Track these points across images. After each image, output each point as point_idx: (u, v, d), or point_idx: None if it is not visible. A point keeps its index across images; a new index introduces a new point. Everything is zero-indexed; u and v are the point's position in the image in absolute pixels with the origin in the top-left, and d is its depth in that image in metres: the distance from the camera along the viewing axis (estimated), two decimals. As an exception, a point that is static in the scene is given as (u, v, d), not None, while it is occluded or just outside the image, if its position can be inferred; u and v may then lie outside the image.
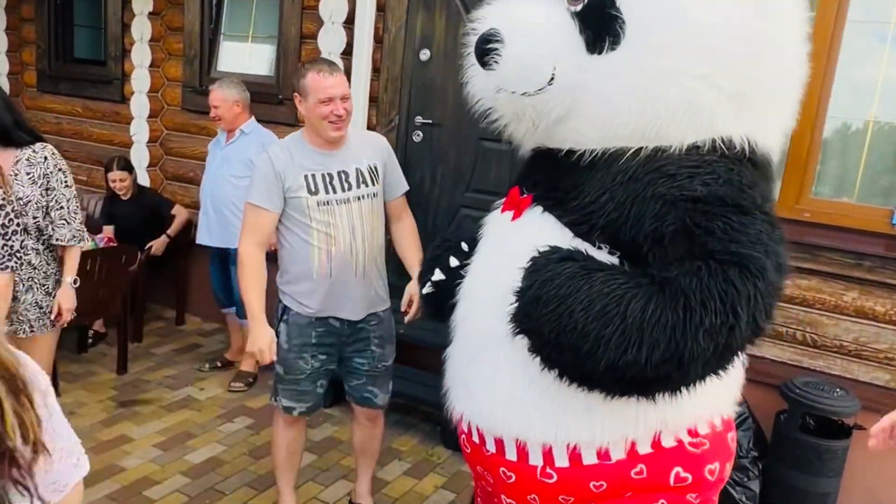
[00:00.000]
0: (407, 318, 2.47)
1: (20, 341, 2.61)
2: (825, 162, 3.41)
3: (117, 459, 3.18)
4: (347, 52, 4.10)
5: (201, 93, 4.75)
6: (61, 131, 5.43)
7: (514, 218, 1.79)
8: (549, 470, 1.69)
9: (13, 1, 5.49)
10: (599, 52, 1.61)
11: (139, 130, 5.03)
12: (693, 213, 1.50)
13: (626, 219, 1.58)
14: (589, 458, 1.65)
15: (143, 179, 4.95)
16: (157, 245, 4.46)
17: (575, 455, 1.66)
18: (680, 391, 1.53)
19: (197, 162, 4.89)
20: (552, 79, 1.63)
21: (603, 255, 1.60)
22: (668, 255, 1.52)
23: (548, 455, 1.67)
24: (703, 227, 1.49)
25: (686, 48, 1.55)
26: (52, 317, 2.72)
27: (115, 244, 4.28)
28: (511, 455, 1.72)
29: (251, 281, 2.44)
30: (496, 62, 1.64)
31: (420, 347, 3.57)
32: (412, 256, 2.63)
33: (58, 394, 3.58)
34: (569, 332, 1.48)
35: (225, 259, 4.10)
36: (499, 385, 1.70)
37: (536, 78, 1.64)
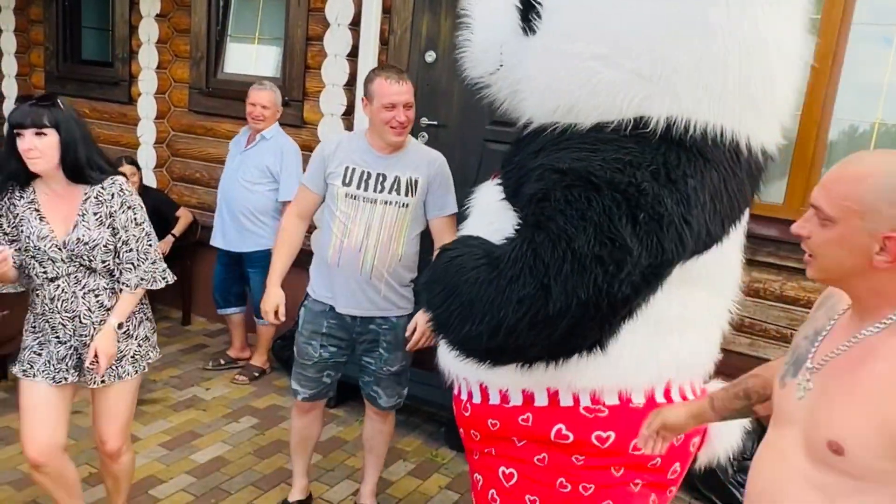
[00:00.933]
0: (408, 346, 2.56)
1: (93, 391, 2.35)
2: (831, 164, 3.41)
3: (123, 458, 3.20)
4: (353, 54, 4.12)
5: (208, 94, 4.78)
6: (69, 132, 5.45)
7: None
8: (468, 405, 1.94)
9: (22, 3, 5.53)
10: (528, 35, 1.85)
11: (146, 132, 5.06)
12: (550, 182, 1.65)
13: (521, 186, 1.79)
14: (493, 398, 1.87)
15: (150, 180, 4.97)
16: (163, 246, 4.48)
17: (484, 393, 1.89)
18: (547, 362, 1.69)
19: (203, 163, 4.91)
20: (501, 63, 1.95)
21: (516, 217, 1.78)
22: (521, 218, 1.71)
23: (468, 390, 1.95)
24: (548, 195, 1.64)
25: (584, 33, 1.72)
26: (87, 363, 2.23)
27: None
28: (457, 391, 2.03)
29: (281, 245, 2.66)
30: (468, 50, 2.04)
31: (424, 348, 3.58)
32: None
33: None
34: (437, 309, 1.73)
35: (238, 261, 4.12)
36: None
37: (490, 60, 1.97)
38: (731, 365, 3.38)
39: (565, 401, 1.78)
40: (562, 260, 1.55)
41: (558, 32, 1.76)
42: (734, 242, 1.86)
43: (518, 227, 1.69)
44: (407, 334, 2.56)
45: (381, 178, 2.54)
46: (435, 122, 4.02)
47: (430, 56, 3.98)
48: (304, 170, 3.82)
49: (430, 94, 4.01)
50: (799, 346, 1.32)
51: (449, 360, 1.93)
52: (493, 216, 1.89)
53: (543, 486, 1.84)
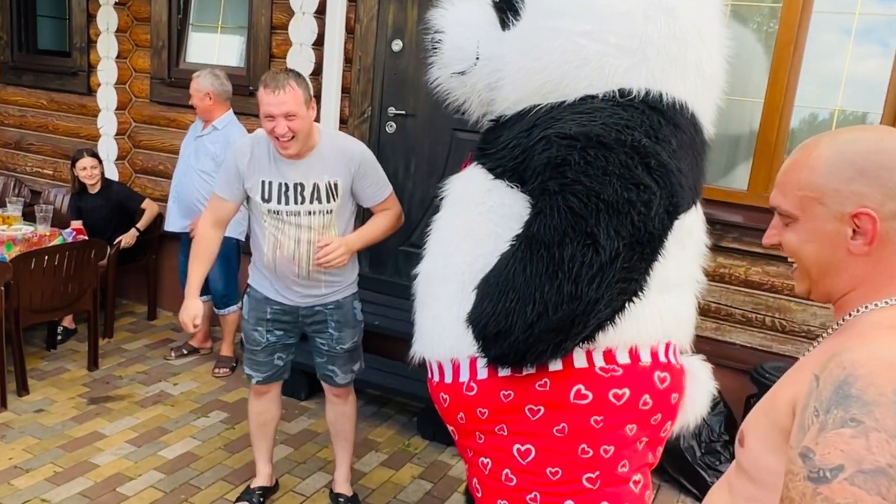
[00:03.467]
0: (316, 260, 2.49)
1: None
2: (793, 150, 3.47)
3: (89, 456, 3.14)
4: (319, 43, 4.07)
5: (170, 84, 4.68)
6: (25, 124, 5.31)
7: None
8: (472, 383, 1.91)
9: (-27, -9, 5.35)
10: (508, 27, 1.95)
11: (106, 123, 4.94)
12: (561, 148, 1.72)
13: (526, 160, 1.82)
14: (503, 370, 1.85)
15: (112, 173, 4.86)
16: (127, 239, 4.40)
17: (492, 367, 1.86)
18: (607, 319, 1.75)
19: (167, 155, 4.82)
20: (478, 56, 2.01)
21: (516, 194, 1.84)
22: (538, 187, 1.75)
23: (473, 367, 1.89)
24: (563, 157, 1.70)
25: (570, 10, 1.83)
26: None
27: (86, 238, 4.21)
28: (448, 377, 1.96)
29: (199, 253, 2.58)
30: (439, 49, 2.08)
31: (395, 339, 3.58)
32: (369, 225, 2.65)
33: (27, 391, 3.56)
34: (494, 313, 1.72)
35: None
36: (438, 315, 1.95)
37: (465, 56, 2.04)
38: (697, 349, 3.45)
39: (579, 362, 1.82)
40: (597, 210, 1.64)
41: (544, 11, 1.87)
42: (699, 211, 1.99)
43: (542, 194, 1.74)
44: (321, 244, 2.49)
45: (299, 188, 2.47)
46: (402, 112, 4.00)
47: (397, 45, 3.95)
48: None
49: (397, 83, 3.99)
50: None
51: (447, 340, 1.92)
52: (482, 197, 1.91)
53: (565, 455, 1.86)
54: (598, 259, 1.64)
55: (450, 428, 2.08)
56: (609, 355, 1.83)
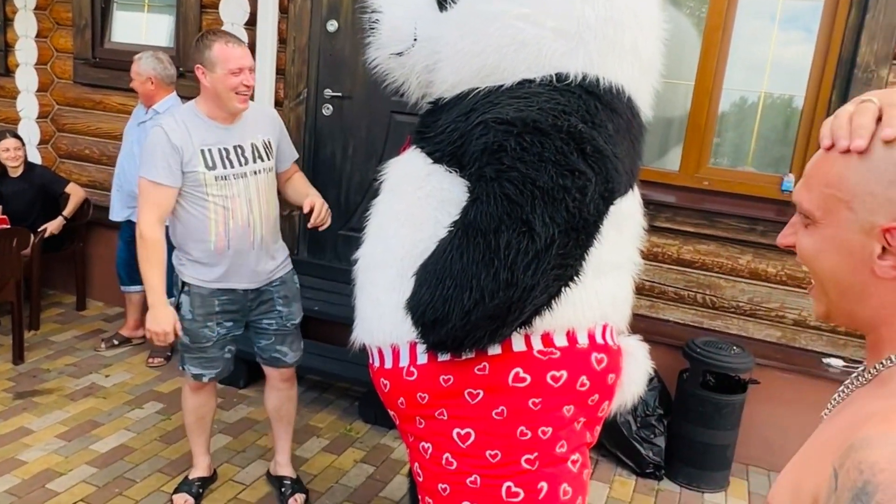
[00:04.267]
0: (314, 220, 2.54)
1: None
2: (722, 132, 3.58)
3: (16, 453, 3.02)
4: (251, 23, 3.96)
5: (95, 65, 4.49)
6: (-62, 107, 5.02)
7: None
8: (412, 368, 1.91)
9: None
10: (446, 8, 1.94)
11: (27, 105, 4.71)
12: (497, 133, 1.72)
13: (464, 144, 1.82)
14: (443, 355, 1.86)
15: (34, 158, 4.63)
16: (53, 227, 4.22)
17: (432, 352, 1.86)
18: (543, 305, 1.77)
19: (94, 139, 4.64)
20: (415, 37, 1.99)
21: (455, 179, 1.84)
22: (475, 173, 1.75)
23: (413, 352, 1.90)
24: (499, 143, 1.71)
25: None
26: None
27: (7, 226, 4.02)
28: (388, 363, 1.96)
29: (154, 258, 2.42)
30: (376, 29, 2.06)
31: (336, 324, 3.55)
32: (306, 185, 2.73)
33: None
34: (432, 300, 1.72)
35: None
36: (377, 300, 1.95)
37: (402, 37, 2.01)
38: (633, 327, 3.54)
39: (518, 346, 1.84)
40: (532, 197, 1.65)
41: None
42: (636, 194, 2.02)
43: (478, 180, 1.73)
44: (305, 211, 2.53)
45: (239, 150, 2.49)
46: (339, 94, 3.94)
47: (332, 25, 3.88)
48: None
49: (333, 65, 3.93)
50: None
51: (386, 325, 1.92)
52: (421, 182, 1.90)
53: (504, 438, 1.87)
54: (534, 246, 1.65)
55: (391, 413, 2.07)
56: (547, 338, 1.86)
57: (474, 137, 1.78)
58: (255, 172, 2.51)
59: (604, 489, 3.17)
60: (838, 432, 0.83)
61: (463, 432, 1.90)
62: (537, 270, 1.66)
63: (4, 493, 2.75)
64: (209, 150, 2.44)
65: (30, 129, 4.71)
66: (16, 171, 4.17)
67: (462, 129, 1.83)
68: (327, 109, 3.97)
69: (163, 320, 2.41)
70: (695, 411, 3.17)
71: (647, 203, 3.53)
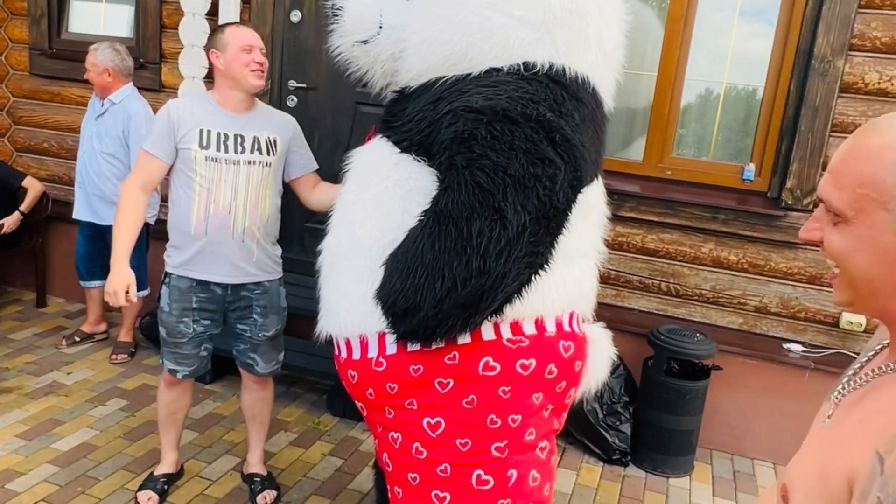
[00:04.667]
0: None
1: None
2: (685, 123, 3.63)
3: (-26, 453, 2.95)
4: (213, 13, 3.89)
5: (52, 56, 4.39)
6: None
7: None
8: (381, 359, 1.90)
9: None
10: None
11: (-19, 98, 4.59)
12: (467, 122, 1.73)
13: (433, 133, 1.82)
14: (413, 345, 1.85)
15: (-10, 151, 4.53)
16: (10, 222, 4.11)
17: (401, 342, 1.86)
18: (514, 293, 1.77)
19: (52, 132, 4.53)
20: (381, 24, 1.98)
21: (423, 168, 1.84)
22: (445, 161, 1.75)
23: (381, 343, 1.89)
24: (470, 132, 1.71)
25: None
26: None
27: (-40, 222, 3.91)
28: (356, 354, 1.94)
29: (124, 220, 2.43)
30: (340, 17, 2.05)
31: (303, 317, 3.52)
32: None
33: None
34: (403, 289, 1.71)
35: (102, 233, 3.82)
36: (344, 291, 1.93)
37: (367, 24, 2.01)
38: (598, 316, 3.57)
39: (487, 335, 1.84)
40: (504, 185, 1.65)
41: None
42: (601, 183, 2.05)
43: (449, 169, 1.73)
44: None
45: (239, 139, 2.48)
46: (304, 85, 3.90)
47: (296, 16, 3.84)
48: None
49: (297, 56, 3.89)
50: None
51: (353, 316, 1.91)
52: (388, 171, 1.89)
53: (474, 426, 1.88)
54: (506, 234, 1.65)
55: (358, 404, 2.06)
56: (516, 327, 1.87)
57: (443, 126, 1.78)
58: (249, 163, 2.48)
59: (571, 476, 3.20)
60: (874, 416, 0.83)
61: (433, 421, 1.89)
62: (509, 258, 1.67)
63: (-38, 495, 2.69)
64: (207, 132, 2.45)
65: (-15, 122, 4.58)
66: (-30, 166, 4.06)
67: (430, 118, 1.83)
68: (292, 101, 3.93)
69: (116, 280, 2.36)
70: (659, 398, 3.22)
71: (612, 193, 3.56)
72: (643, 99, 3.58)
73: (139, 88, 3.86)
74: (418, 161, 1.85)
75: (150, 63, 4.15)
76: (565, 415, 2.11)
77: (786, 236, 3.34)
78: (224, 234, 2.48)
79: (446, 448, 1.89)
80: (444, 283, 1.66)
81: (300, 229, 3.95)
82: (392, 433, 1.97)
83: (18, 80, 4.55)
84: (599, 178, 2.02)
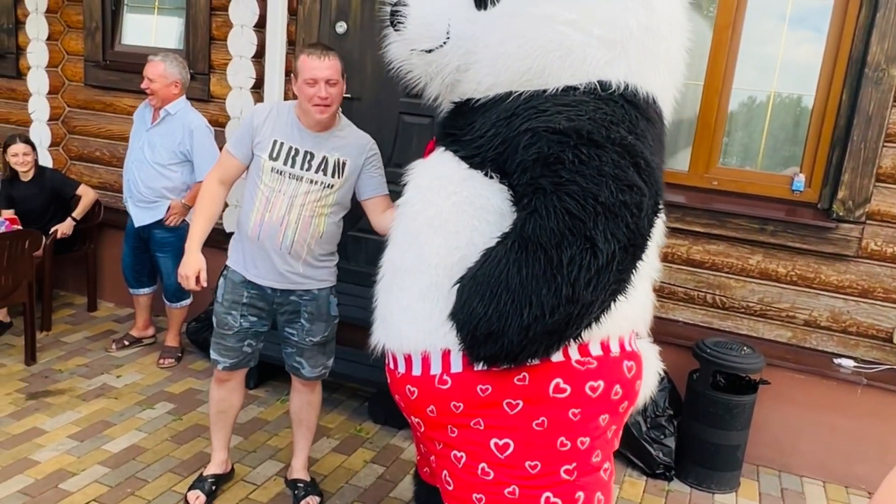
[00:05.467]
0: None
1: None
2: (731, 133, 3.57)
3: (29, 453, 3.04)
4: (261, 25, 3.98)
5: (105, 67, 4.53)
6: (-50, 109, 5.06)
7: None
8: (445, 376, 1.86)
9: None
10: (485, 7, 1.89)
11: (38, 108, 4.74)
12: (551, 143, 1.69)
13: (508, 150, 1.78)
14: (481, 365, 1.81)
15: (46, 160, 4.67)
16: (63, 228, 4.24)
17: (466, 359, 1.82)
18: (596, 318, 1.74)
19: (104, 141, 4.67)
20: (448, 34, 1.91)
21: (494, 185, 1.81)
22: (528, 183, 1.71)
23: (446, 361, 1.85)
24: (556, 155, 1.68)
25: None
26: None
27: (19, 227, 4.04)
28: (416, 370, 1.91)
29: (201, 209, 2.60)
30: (403, 24, 1.96)
31: (345, 324, 3.55)
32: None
33: (-40, 387, 3.40)
34: (486, 315, 1.68)
35: (146, 243, 3.91)
36: (406, 306, 1.90)
37: (435, 34, 1.93)
38: (642, 328, 3.52)
39: (556, 356, 1.81)
40: (595, 213, 1.63)
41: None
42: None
43: (534, 192, 1.69)
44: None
45: (308, 157, 2.52)
46: (348, 95, 3.94)
47: (341, 27, 3.89)
48: (216, 145, 3.69)
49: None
50: None
51: (417, 333, 1.88)
52: (456, 187, 1.86)
53: (544, 448, 1.86)
54: (596, 263, 1.63)
55: (415, 420, 2.02)
56: (583, 348, 1.84)
57: (521, 145, 1.74)
58: (312, 181, 2.51)
59: (614, 490, 3.16)
60: None
61: (501, 443, 1.86)
62: (598, 286, 1.65)
63: (18, 493, 2.77)
64: (281, 144, 2.52)
65: (41, 132, 4.74)
66: (27, 176, 4.20)
67: (504, 135, 1.80)
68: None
69: (187, 265, 2.54)
70: (705, 412, 3.17)
71: (657, 203, 3.53)
72: (689, 108, 3.54)
73: (190, 99, 3.95)
74: (490, 178, 1.82)
75: (199, 74, 4.25)
76: (621, 433, 2.09)
77: (837, 248, 3.27)
78: (272, 243, 2.53)
79: (515, 470, 1.86)
80: (532, 311, 1.64)
81: (344, 237, 3.97)
82: (455, 452, 1.93)
83: (73, 91, 4.70)
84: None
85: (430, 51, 1.96)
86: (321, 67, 2.43)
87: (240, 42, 4.06)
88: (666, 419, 3.26)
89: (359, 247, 3.99)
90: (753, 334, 3.45)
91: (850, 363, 3.29)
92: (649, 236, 1.75)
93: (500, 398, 1.83)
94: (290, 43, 3.96)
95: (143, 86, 3.73)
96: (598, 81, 1.79)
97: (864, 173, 3.20)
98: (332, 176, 2.55)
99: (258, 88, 4.08)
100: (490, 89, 1.87)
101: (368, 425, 3.52)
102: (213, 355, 2.72)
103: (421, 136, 3.79)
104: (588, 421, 1.86)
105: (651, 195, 1.71)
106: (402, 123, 3.84)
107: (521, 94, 1.81)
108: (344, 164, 2.56)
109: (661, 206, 1.80)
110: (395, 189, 3.82)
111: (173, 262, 3.72)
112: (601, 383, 1.84)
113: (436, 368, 1.88)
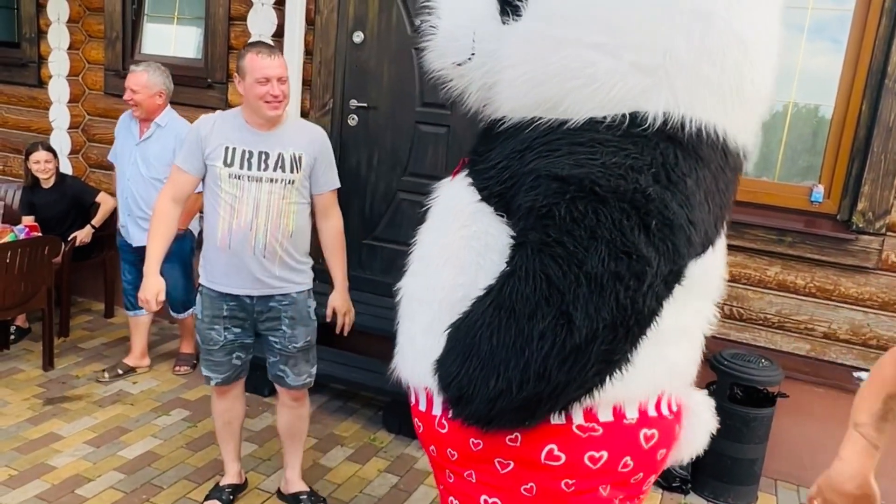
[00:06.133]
0: (338, 330, 2.71)
1: None
2: (749, 142, 3.54)
3: (46, 458, 3.06)
4: (279, 34, 4.01)
5: (125, 77, 4.56)
6: (-27, 117, 5.14)
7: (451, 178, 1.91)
8: (443, 421, 1.73)
9: (-86, -22, 5.14)
10: (508, 20, 1.68)
11: (59, 116, 4.80)
12: (548, 193, 1.50)
13: (514, 189, 1.60)
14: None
15: (66, 167, 4.73)
16: (82, 235, 4.29)
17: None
18: (585, 395, 1.55)
19: (122, 148, 4.71)
20: (473, 50, 1.75)
21: (502, 223, 1.62)
22: (519, 234, 1.55)
23: (445, 406, 1.69)
24: (548, 208, 1.49)
25: (577, 17, 1.55)
26: None
27: (39, 234, 4.09)
28: (422, 405, 1.81)
29: (156, 230, 2.58)
30: (434, 38, 1.82)
31: (359, 333, 3.56)
32: (335, 265, 2.75)
33: (-21, 392, 3.44)
34: (455, 377, 1.56)
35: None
36: (413, 339, 1.78)
37: (460, 48, 1.77)
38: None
39: (556, 418, 1.62)
40: (576, 283, 1.44)
41: (549, 16, 1.59)
42: (721, 243, 1.75)
43: (519, 247, 1.54)
44: (328, 319, 2.70)
45: (263, 156, 2.53)
46: (364, 105, 3.96)
47: (358, 36, 3.92)
48: None
49: (359, 75, 3.96)
50: None
51: (419, 367, 1.74)
52: (466, 219, 1.69)
53: None
54: (572, 340, 1.45)
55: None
56: (589, 413, 1.63)
57: (523, 188, 1.56)
58: (272, 180, 2.53)
59: None
60: None
61: (490, 500, 1.76)
62: (574, 367, 1.47)
63: (34, 498, 2.79)
64: (232, 149, 2.52)
65: (61, 140, 4.80)
66: (48, 183, 4.25)
67: (513, 170, 1.61)
68: (353, 120, 4.00)
69: (147, 289, 2.54)
70: (722, 424, 3.08)
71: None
72: (706, 118, 3.52)
73: (205, 107, 3.98)
74: (497, 215, 1.64)
75: (217, 83, 4.29)
76: (644, 496, 1.90)
77: (857, 260, 3.23)
78: (245, 249, 2.53)
79: None
80: (498, 383, 1.50)
81: (358, 246, 4.00)
82: (452, 497, 1.87)
83: (93, 100, 4.76)
84: (721, 240, 1.71)
85: (459, 64, 1.82)
86: (272, 66, 2.46)
87: (258, 51, 4.09)
88: (682, 431, 3.23)
89: (374, 255, 4.00)
90: (771, 346, 3.41)
91: (870, 377, 3.24)
92: (654, 310, 1.51)
93: (491, 455, 1.70)
94: (308, 53, 3.99)
95: (125, 97, 3.63)
96: (630, 113, 1.53)
97: (884, 185, 3.16)
98: (292, 171, 2.56)
99: (275, 97, 4.10)
100: (513, 112, 1.69)
101: (383, 434, 3.51)
102: (205, 371, 2.72)
103: (437, 146, 3.80)
104: (583, 492, 1.68)
105: (663, 263, 1.48)
106: (419, 133, 3.85)
107: (541, 124, 1.61)
108: (300, 157, 2.58)
109: (681, 273, 1.53)
110: (406, 198, 3.87)
111: (181, 272, 3.70)
112: (605, 454, 1.63)
113: (437, 409, 1.75)
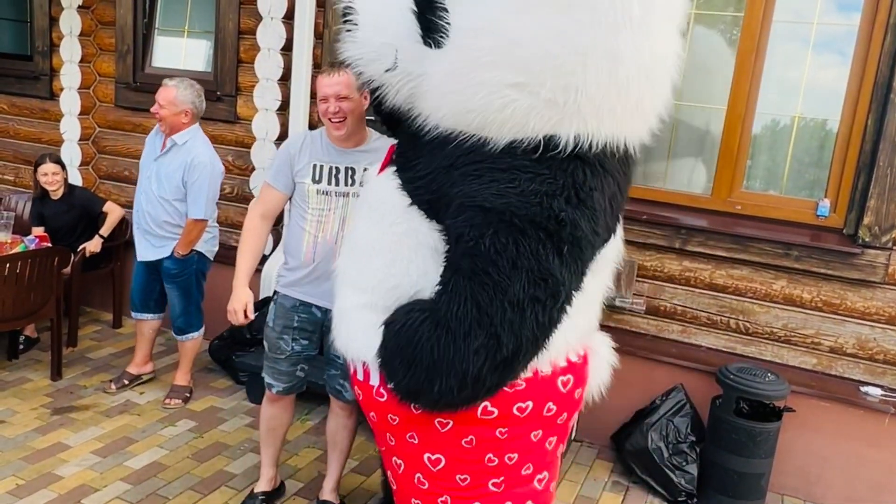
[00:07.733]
0: None
1: None
2: (755, 157, 3.56)
3: (53, 468, 3.08)
4: (287, 48, 4.05)
5: (135, 89, 4.63)
6: (-15, 129, 5.20)
7: (379, 171, 2.11)
8: (381, 390, 1.96)
9: (-70, -8, 5.22)
10: (431, 46, 1.81)
11: (70, 128, 4.85)
12: (474, 225, 1.72)
13: (441, 202, 1.82)
14: None
15: (76, 179, 4.78)
16: (91, 246, 4.32)
17: None
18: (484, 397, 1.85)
19: (133, 160, 4.75)
20: (396, 62, 1.91)
21: (432, 226, 1.86)
22: (451, 256, 1.79)
23: (382, 375, 1.93)
24: (475, 241, 1.71)
25: (497, 61, 1.68)
26: None
27: (49, 245, 4.12)
28: (360, 376, 2.03)
29: (245, 245, 2.67)
30: (356, 46, 1.98)
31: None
32: None
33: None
34: (403, 379, 1.83)
35: (156, 269, 3.74)
36: (348, 316, 2.02)
37: (383, 60, 1.94)
38: (661, 351, 3.49)
39: None
40: (502, 310, 1.70)
41: (472, 58, 1.71)
42: (619, 235, 2.03)
43: (452, 271, 1.77)
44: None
45: (350, 172, 2.60)
46: (372, 118, 3.98)
47: (366, 51, 3.95)
48: (216, 184, 3.57)
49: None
50: None
51: (355, 343, 1.98)
52: (398, 217, 1.92)
53: (473, 464, 1.97)
54: (501, 354, 1.74)
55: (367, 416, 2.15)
56: None
57: (451, 209, 1.78)
58: (356, 195, 2.56)
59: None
60: None
61: (433, 457, 1.99)
62: (504, 372, 1.79)
63: (41, 508, 2.81)
64: (320, 166, 2.59)
65: (72, 151, 4.85)
66: (56, 194, 4.29)
67: (440, 183, 1.84)
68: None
69: (235, 300, 2.62)
70: (728, 439, 3.12)
71: (679, 227, 3.52)
72: (712, 133, 3.54)
73: (215, 120, 4.00)
74: (431, 221, 1.88)
75: (226, 96, 4.33)
76: (573, 426, 2.15)
77: (863, 274, 3.23)
78: (330, 262, 2.51)
79: (446, 482, 2.00)
80: (441, 387, 1.77)
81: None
82: (395, 458, 2.08)
83: (104, 112, 4.81)
84: (619, 229, 1.99)
85: (386, 70, 1.96)
86: (330, 84, 2.51)
87: (267, 65, 4.14)
88: (688, 445, 3.22)
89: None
90: (778, 361, 3.40)
91: (877, 391, 3.23)
92: (563, 317, 1.79)
93: (431, 416, 1.93)
94: (316, 66, 4.02)
95: (152, 110, 3.54)
96: (544, 137, 1.72)
97: (890, 199, 3.16)
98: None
99: (283, 110, 4.15)
100: (440, 122, 1.84)
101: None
102: (268, 379, 2.76)
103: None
104: (516, 438, 1.95)
105: (574, 281, 1.76)
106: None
107: (465, 140, 1.78)
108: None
109: (584, 280, 1.81)
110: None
111: (181, 294, 3.67)
112: (530, 404, 1.92)
113: (374, 380, 1.97)
